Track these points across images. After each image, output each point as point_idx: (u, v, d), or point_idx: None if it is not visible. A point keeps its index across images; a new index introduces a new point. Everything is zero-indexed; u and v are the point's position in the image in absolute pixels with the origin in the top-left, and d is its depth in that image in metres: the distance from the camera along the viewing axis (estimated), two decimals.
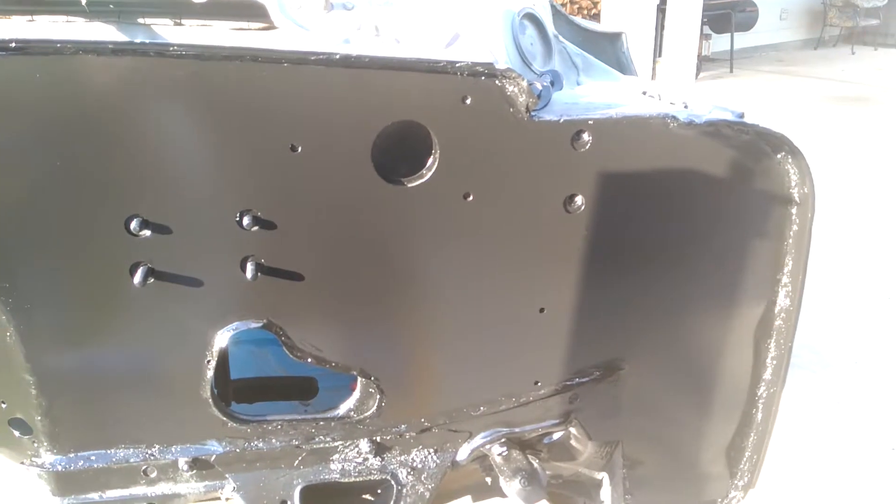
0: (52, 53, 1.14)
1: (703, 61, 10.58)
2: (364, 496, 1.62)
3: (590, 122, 1.36)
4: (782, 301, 1.55)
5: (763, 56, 12.31)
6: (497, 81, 1.29)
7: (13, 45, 1.11)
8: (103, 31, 1.28)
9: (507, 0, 1.69)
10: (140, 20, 1.36)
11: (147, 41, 1.20)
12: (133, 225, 1.23)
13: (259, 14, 1.39)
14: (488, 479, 1.72)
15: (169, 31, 1.43)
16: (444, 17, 1.55)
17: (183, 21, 1.42)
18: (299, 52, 1.23)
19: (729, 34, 11.15)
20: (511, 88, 1.30)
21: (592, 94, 1.60)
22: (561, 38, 1.90)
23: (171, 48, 1.16)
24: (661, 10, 8.70)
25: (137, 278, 1.25)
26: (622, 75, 1.91)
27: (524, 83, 1.29)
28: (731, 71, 10.76)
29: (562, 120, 1.35)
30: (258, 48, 1.20)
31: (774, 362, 1.57)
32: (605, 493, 1.79)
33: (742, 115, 1.46)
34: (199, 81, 1.20)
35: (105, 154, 1.20)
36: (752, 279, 1.55)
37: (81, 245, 1.24)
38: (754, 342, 1.59)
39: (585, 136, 1.36)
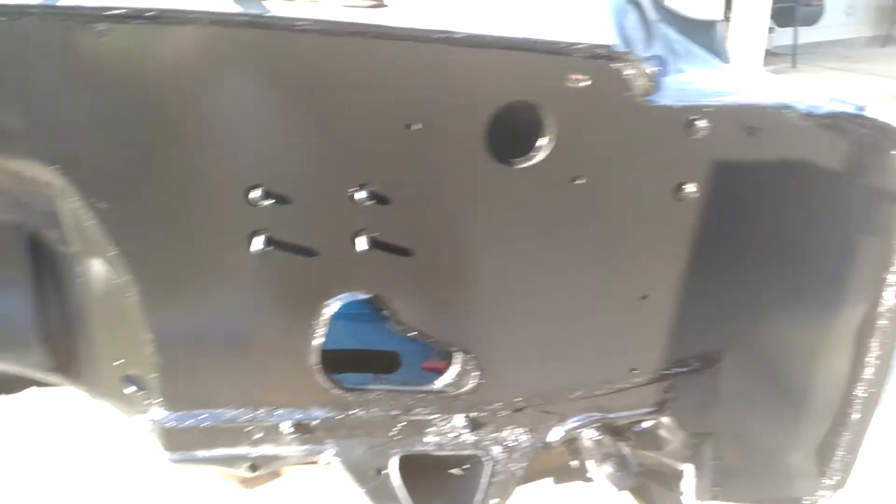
0: (184, 23, 1.18)
1: (766, 55, 10.30)
2: (452, 470, 1.65)
3: (705, 108, 1.35)
4: (888, 300, 1.51)
5: (827, 52, 11.91)
6: (615, 64, 1.28)
7: (148, 14, 1.15)
8: (224, 4, 1.32)
9: None
10: None
11: (269, 14, 1.23)
12: (254, 194, 1.27)
13: None
14: (573, 463, 1.74)
15: (277, 6, 1.46)
16: None
17: None
18: (423, 30, 1.24)
19: (792, 28, 10.82)
20: (629, 71, 1.29)
21: (699, 81, 1.57)
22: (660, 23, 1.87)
23: (299, 23, 1.19)
24: (727, 5, 8.50)
25: (255, 246, 1.29)
26: (722, 64, 1.88)
27: (644, 66, 1.29)
28: (794, 66, 10.45)
29: (678, 105, 1.34)
30: (384, 25, 1.22)
31: (877, 362, 1.54)
32: (688, 484, 1.79)
33: (862, 109, 1.43)
34: (323, 56, 1.23)
35: (231, 125, 1.24)
36: (858, 276, 1.52)
37: (204, 211, 1.29)
38: (856, 341, 1.56)
39: (700, 123, 1.35)
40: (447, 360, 1.90)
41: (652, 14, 1.84)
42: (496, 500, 1.54)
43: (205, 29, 1.18)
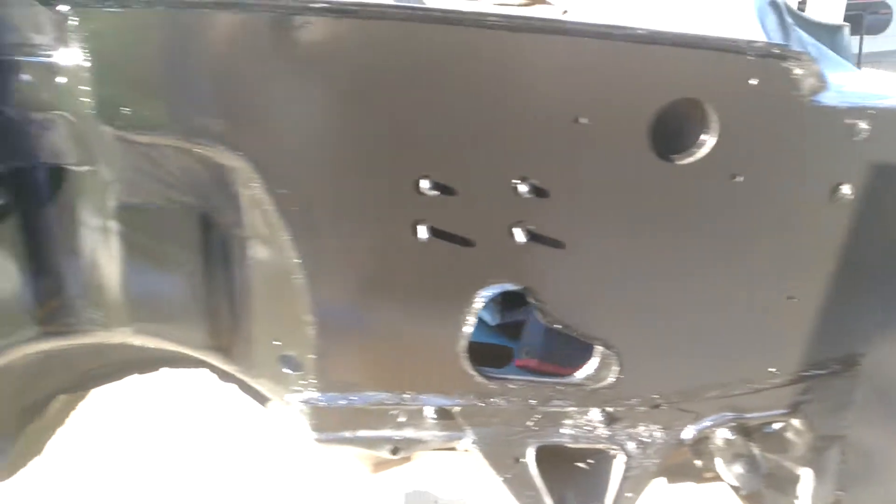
0: (380, 19, 1.22)
1: None
2: (578, 464, 1.66)
3: (870, 110, 1.34)
4: None
5: (894, 61, 11.59)
6: (786, 63, 1.29)
7: (347, 9, 1.20)
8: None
9: None
10: None
11: (458, 10, 1.27)
12: (423, 184, 1.31)
13: None
14: (698, 462, 1.74)
15: (435, 2, 1.51)
16: None
17: None
18: (601, 27, 1.27)
19: (858, 37, 10.57)
20: (798, 71, 1.30)
21: (850, 84, 1.57)
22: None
23: (489, 19, 1.23)
24: (801, 9, 8.34)
25: (419, 234, 1.33)
26: (856, 68, 1.87)
27: (814, 67, 1.29)
28: None
29: (842, 107, 1.34)
30: (566, 21, 1.25)
31: None
32: (807, 489, 1.78)
33: None
34: (503, 52, 1.26)
35: (410, 118, 1.28)
36: None
37: (375, 200, 1.33)
38: None
39: (862, 125, 1.35)
40: (539, 360, 1.93)
41: (788, 17, 1.84)
42: (630, 495, 1.56)
43: (398, 24, 1.23)
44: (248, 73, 1.22)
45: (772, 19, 1.74)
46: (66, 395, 1.82)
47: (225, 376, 1.82)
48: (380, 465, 1.79)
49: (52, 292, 1.38)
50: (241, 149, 1.26)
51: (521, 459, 1.52)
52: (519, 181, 1.32)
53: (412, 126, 1.28)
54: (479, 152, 1.32)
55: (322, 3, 1.17)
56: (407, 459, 1.73)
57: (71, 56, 1.19)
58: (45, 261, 1.34)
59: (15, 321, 1.38)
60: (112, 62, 1.19)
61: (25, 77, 1.21)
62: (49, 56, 1.20)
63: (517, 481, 1.52)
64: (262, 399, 1.86)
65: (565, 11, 1.62)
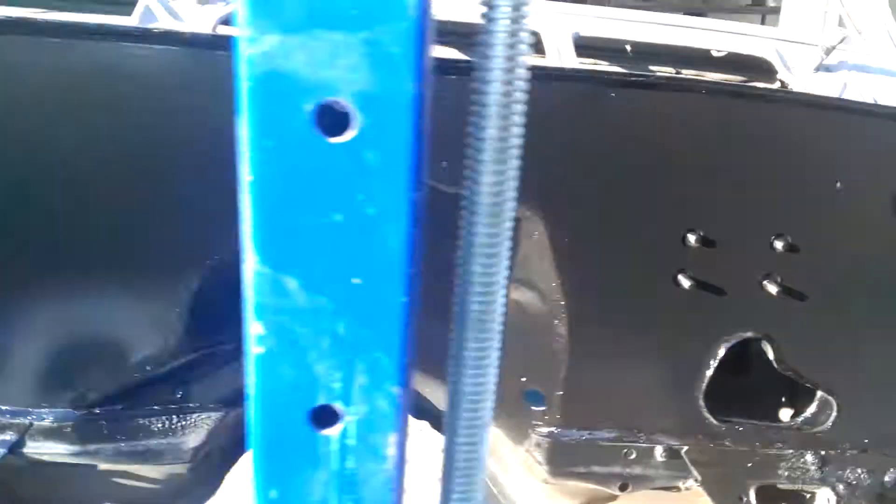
0: (676, 90, 1.35)
1: None
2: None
3: None
4: None
5: None
6: None
7: (652, 83, 1.33)
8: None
9: None
10: (650, 66, 1.58)
11: (729, 84, 1.39)
12: (689, 237, 1.41)
13: (765, 71, 1.58)
14: None
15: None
16: None
17: (682, 71, 1.62)
18: (866, 105, 1.40)
19: None
20: None
21: None
22: None
23: (777, 95, 1.35)
24: None
25: (682, 283, 1.43)
26: None
27: None
28: None
29: None
30: (837, 99, 1.38)
31: None
32: None
33: None
34: (781, 125, 1.38)
35: (689, 178, 1.40)
36: None
37: (645, 250, 1.43)
38: None
39: None
40: None
41: None
42: None
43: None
44: (556, 141, 1.33)
45: None
46: None
47: (421, 414, 1.89)
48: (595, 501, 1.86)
49: None
50: (536, 204, 1.36)
51: (743, 498, 1.61)
52: (775, 237, 1.44)
53: (690, 185, 1.40)
54: (745, 210, 1.43)
55: (638, 79, 1.29)
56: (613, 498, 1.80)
57: None
58: None
59: None
60: None
61: None
62: None
63: None
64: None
65: None
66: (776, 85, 1.72)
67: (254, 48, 0.43)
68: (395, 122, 0.46)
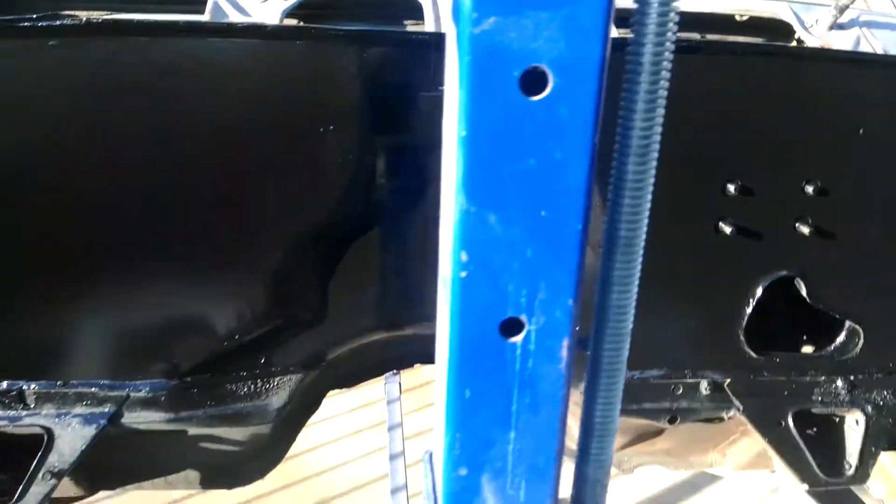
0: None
1: None
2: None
3: None
4: None
5: None
6: None
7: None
8: None
9: None
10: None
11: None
12: (729, 187, 1.54)
13: (783, 31, 1.70)
14: None
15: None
16: None
17: (707, 35, 1.74)
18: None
19: None
20: None
21: None
22: None
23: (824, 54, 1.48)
24: None
25: (725, 230, 1.56)
26: None
27: None
28: None
29: None
30: (856, 52, 1.50)
31: None
32: None
33: None
34: (814, 82, 1.51)
35: (715, 134, 1.52)
36: None
37: (689, 198, 1.56)
38: None
39: None
40: None
41: None
42: (873, 449, 1.80)
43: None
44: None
45: None
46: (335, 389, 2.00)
47: None
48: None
49: (404, 281, 1.57)
50: None
51: (782, 423, 1.76)
52: (806, 182, 1.56)
53: (729, 140, 1.52)
54: (778, 159, 1.55)
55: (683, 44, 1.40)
56: None
57: None
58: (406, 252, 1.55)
59: (372, 310, 1.58)
60: None
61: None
62: None
63: (781, 442, 1.75)
64: None
65: None
66: (793, 44, 1.84)
67: (477, 28, 0.55)
68: (583, 82, 0.57)
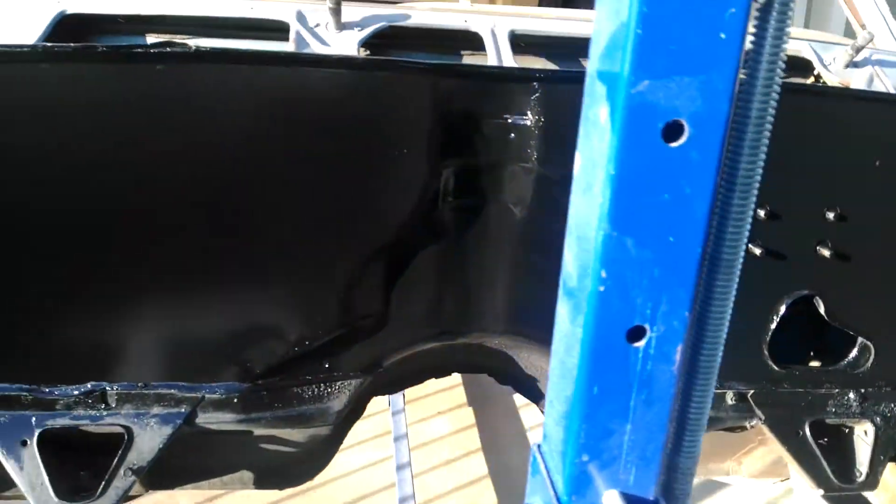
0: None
1: None
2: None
3: None
4: None
5: None
6: None
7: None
8: None
9: None
10: None
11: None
12: (759, 212, 1.68)
13: (803, 67, 1.86)
14: None
15: None
16: None
17: None
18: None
19: None
20: None
21: None
22: None
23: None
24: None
25: (755, 251, 1.70)
26: None
27: None
28: None
29: None
30: (873, 91, 1.65)
31: None
32: None
33: None
34: (844, 119, 1.66)
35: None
36: None
37: None
38: None
39: None
40: None
41: None
42: (882, 458, 1.94)
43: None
44: None
45: None
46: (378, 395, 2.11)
47: (502, 378, 2.14)
48: None
49: (462, 294, 1.69)
50: None
51: (800, 433, 1.89)
52: (827, 209, 1.71)
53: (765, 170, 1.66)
54: (803, 188, 1.70)
55: None
56: None
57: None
58: (468, 265, 1.66)
59: (430, 319, 1.69)
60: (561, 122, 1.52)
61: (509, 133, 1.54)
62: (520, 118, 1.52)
63: (799, 450, 1.89)
64: (537, 397, 2.18)
65: None
66: (811, 80, 2.00)
67: (633, 88, 0.67)
68: (712, 132, 0.70)
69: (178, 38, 1.68)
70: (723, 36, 0.67)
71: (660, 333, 0.78)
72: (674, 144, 0.70)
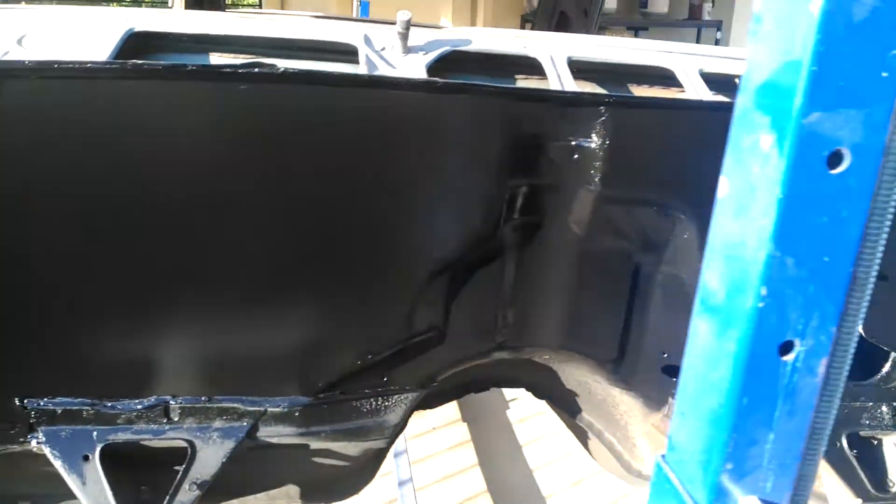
0: None
1: None
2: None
3: None
4: None
5: None
6: None
7: None
8: None
9: None
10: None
11: None
12: None
13: None
14: None
15: None
16: None
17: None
18: None
19: None
20: None
21: None
22: None
23: None
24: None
25: None
26: None
27: None
28: None
29: None
30: None
31: None
32: None
33: None
34: None
35: None
36: None
37: None
38: None
39: None
40: None
41: None
42: None
43: None
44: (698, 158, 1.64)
45: None
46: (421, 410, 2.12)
47: (541, 393, 2.17)
48: None
49: (520, 310, 1.73)
50: (691, 210, 1.67)
51: (837, 444, 1.96)
52: None
53: None
54: None
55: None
56: None
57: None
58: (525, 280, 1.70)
59: (484, 336, 1.72)
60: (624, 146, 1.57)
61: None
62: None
63: (838, 460, 1.96)
64: (574, 410, 2.22)
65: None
66: None
67: (805, 119, 0.73)
68: (870, 160, 0.76)
69: (241, 59, 1.70)
70: (885, 74, 0.73)
71: (808, 347, 0.83)
72: (835, 171, 0.76)
